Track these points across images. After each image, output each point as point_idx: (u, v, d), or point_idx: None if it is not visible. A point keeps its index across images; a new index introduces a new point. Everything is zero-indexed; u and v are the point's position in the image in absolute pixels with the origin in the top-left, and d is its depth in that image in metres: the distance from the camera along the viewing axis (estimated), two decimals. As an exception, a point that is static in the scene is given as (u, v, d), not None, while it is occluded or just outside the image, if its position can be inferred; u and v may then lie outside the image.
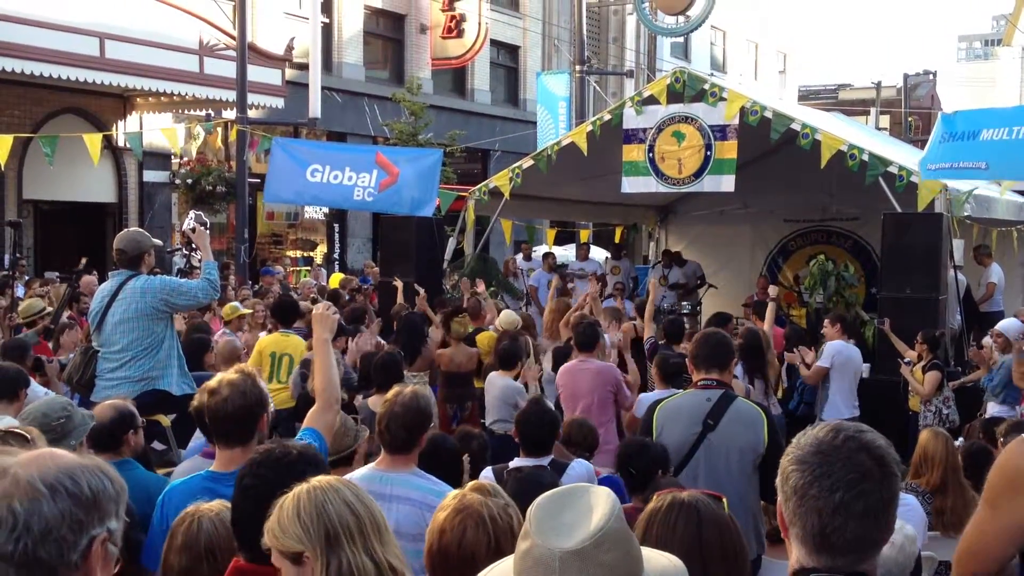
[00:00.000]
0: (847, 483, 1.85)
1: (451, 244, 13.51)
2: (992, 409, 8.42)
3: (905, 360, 9.26)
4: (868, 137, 13.77)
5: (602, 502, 1.80)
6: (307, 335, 8.25)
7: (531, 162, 12.99)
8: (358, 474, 4.33)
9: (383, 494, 4.10)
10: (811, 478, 1.87)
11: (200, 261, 6.60)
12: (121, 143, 16.88)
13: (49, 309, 8.53)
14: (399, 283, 11.41)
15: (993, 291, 13.05)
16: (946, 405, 8.81)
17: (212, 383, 3.74)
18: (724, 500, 2.54)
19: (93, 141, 12.94)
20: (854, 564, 1.89)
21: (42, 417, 3.91)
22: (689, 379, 5.17)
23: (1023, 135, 9.17)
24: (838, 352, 8.84)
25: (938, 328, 9.63)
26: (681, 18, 24.75)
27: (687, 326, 10.31)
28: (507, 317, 9.80)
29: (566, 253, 18.32)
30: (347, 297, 12.84)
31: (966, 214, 11.01)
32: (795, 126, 11.10)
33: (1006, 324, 9.44)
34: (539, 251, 17.16)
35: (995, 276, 13.22)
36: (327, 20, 21.69)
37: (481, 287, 11.67)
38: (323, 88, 17.96)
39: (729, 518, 2.48)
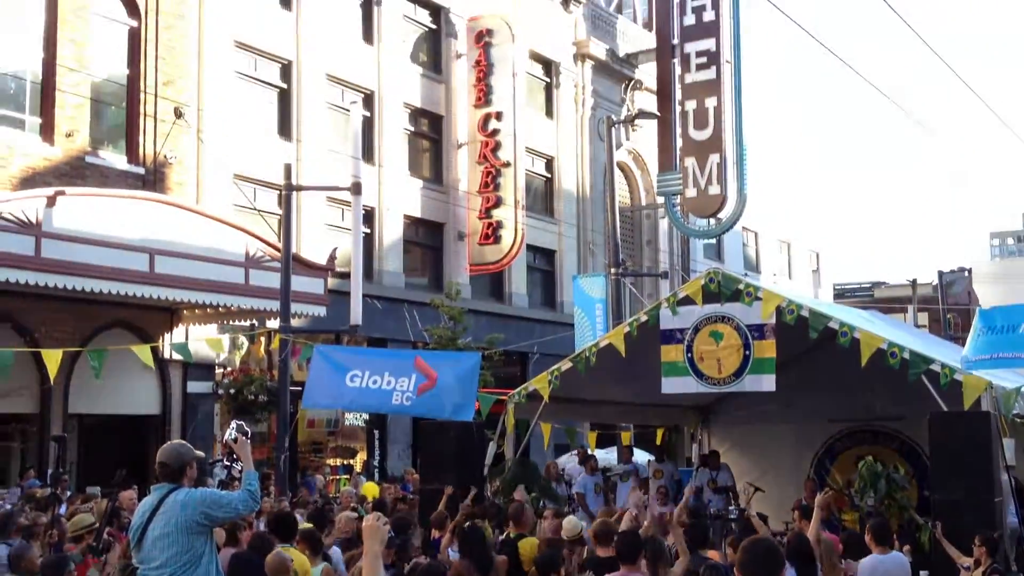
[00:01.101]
0: None
1: (491, 449, 13.40)
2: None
3: (964, 566, 8.86)
4: (907, 335, 13.74)
5: None
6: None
7: (569, 364, 13.03)
8: None
9: None
10: None
11: (241, 472, 6.57)
12: (167, 355, 17.20)
13: (97, 525, 8.47)
14: (449, 489, 11.14)
15: None
16: None
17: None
18: None
19: (143, 351, 13.22)
20: None
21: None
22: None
23: (1063, 326, 9.17)
24: (870, 570, 8.43)
25: (996, 530, 9.27)
26: (713, 220, 25.36)
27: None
28: (570, 524, 9.54)
29: (608, 456, 18.07)
30: (390, 506, 12.66)
31: (1015, 412, 10.81)
32: (833, 324, 11.12)
33: None
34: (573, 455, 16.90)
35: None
36: (368, 230, 22.41)
37: (519, 493, 11.48)
38: (364, 295, 18.38)
39: None
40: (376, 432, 23.16)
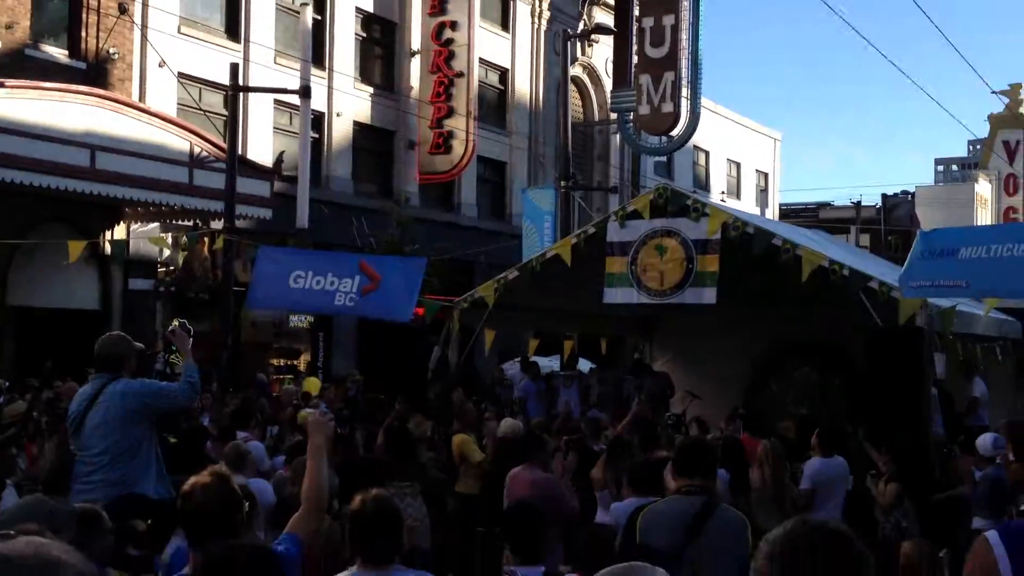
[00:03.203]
0: (822, 569, 1.86)
1: (435, 353, 13.48)
2: (977, 523, 8.35)
3: (871, 472, 9.18)
4: (849, 254, 13.96)
5: None
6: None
7: (516, 273, 13.09)
8: (336, 578, 4.24)
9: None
10: (786, 570, 1.87)
11: (181, 364, 6.58)
12: (108, 251, 16.97)
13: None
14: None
15: (976, 405, 13.06)
16: (906, 518, 8.67)
17: (187, 487, 3.70)
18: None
19: (75, 246, 13.00)
20: None
21: (24, 519, 3.82)
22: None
23: (1002, 253, 9.32)
24: (817, 472, 8.73)
25: (921, 440, 9.60)
26: (664, 138, 25.33)
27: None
28: (507, 425, 9.70)
29: (551, 363, 18.29)
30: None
31: (953, 330, 11.09)
32: (776, 242, 11.26)
33: (982, 440, 9.43)
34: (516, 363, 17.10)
35: (978, 391, 13.25)
36: (317, 135, 22.10)
37: (459, 394, 11.64)
38: (311, 200, 18.20)
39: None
40: (321, 334, 23.16)
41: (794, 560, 1.86)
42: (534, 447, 7.81)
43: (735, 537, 4.56)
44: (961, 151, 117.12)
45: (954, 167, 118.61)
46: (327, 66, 22.83)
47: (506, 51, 28.54)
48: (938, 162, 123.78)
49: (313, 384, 15.59)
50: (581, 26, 29.44)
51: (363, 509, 4.11)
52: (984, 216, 44.43)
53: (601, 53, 29.99)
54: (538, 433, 8.56)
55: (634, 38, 27.34)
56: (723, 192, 37.42)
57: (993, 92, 38.62)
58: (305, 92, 16.65)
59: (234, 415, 9.89)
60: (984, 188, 46.68)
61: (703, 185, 36.76)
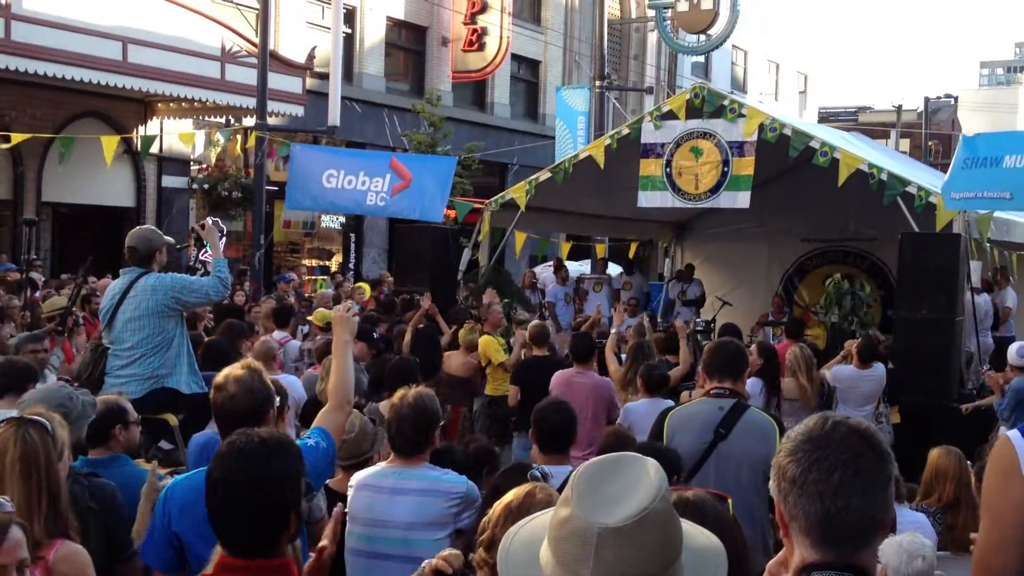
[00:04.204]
0: (843, 463, 1.85)
1: (466, 255, 13.48)
2: (1002, 431, 8.34)
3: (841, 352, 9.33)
4: (887, 158, 13.71)
5: (650, 477, 1.73)
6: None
7: (548, 175, 12.97)
8: (370, 471, 4.33)
9: (398, 488, 4.12)
10: (808, 464, 1.87)
11: (211, 258, 6.61)
12: (140, 148, 16.98)
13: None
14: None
15: (1008, 315, 12.94)
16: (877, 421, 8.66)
17: (219, 379, 3.73)
18: (729, 501, 2.50)
19: (109, 143, 13.00)
20: (857, 552, 1.87)
21: (38, 403, 3.88)
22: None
23: (1049, 163, 9.11)
24: (848, 378, 8.77)
25: (961, 351, 9.55)
26: (702, 37, 24.77)
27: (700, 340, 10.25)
28: (536, 327, 9.75)
29: (581, 268, 18.27)
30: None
31: (990, 237, 10.92)
32: (814, 144, 11.06)
33: (1014, 348, 9.36)
34: (549, 266, 17.03)
35: (1010, 300, 13.11)
36: (349, 31, 21.79)
37: (489, 295, 11.65)
38: (343, 98, 18.00)
39: (733, 519, 2.44)
40: (352, 235, 23.24)
41: (817, 455, 1.85)
42: (590, 351, 7.84)
43: (763, 440, 4.55)
44: (1008, 55, 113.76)
45: (999, 70, 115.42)
46: (361, -42, 22.38)
47: (543, -56, 27.84)
48: (983, 65, 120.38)
49: (363, 286, 15.46)
50: (621, -81, 28.59)
51: (402, 404, 4.20)
52: (1029, 122, 43.34)
53: (640, -53, 29.16)
54: (594, 338, 8.55)
55: (675, -68, 26.64)
56: (761, 94, 36.69)
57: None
58: (339, -18, 16.33)
59: (273, 314, 9.98)
60: (1031, 92, 45.44)
61: (740, 87, 36.04)
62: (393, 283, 14.65)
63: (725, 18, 24.01)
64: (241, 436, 2.75)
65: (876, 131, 37.67)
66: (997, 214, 11.18)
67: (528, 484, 2.73)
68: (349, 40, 21.96)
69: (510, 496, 2.65)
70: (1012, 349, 9.14)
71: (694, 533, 1.84)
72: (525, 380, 8.28)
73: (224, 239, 6.74)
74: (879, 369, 8.94)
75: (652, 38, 30.66)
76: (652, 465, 1.75)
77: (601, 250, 17.45)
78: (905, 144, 43.12)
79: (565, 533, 1.68)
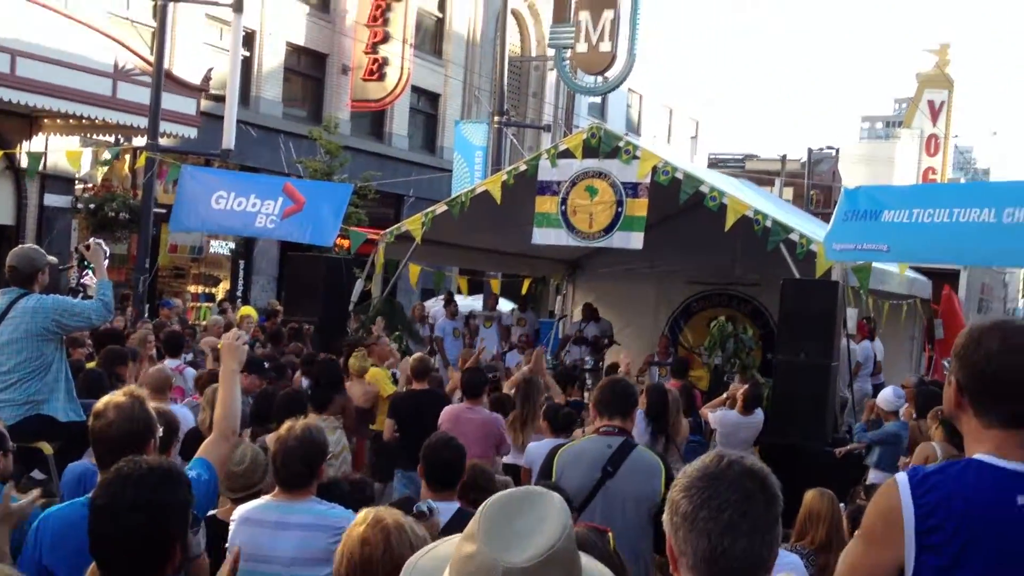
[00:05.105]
0: (734, 503, 1.91)
1: (359, 286, 13.40)
2: (873, 477, 8.69)
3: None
4: (772, 205, 14.18)
5: (555, 514, 1.74)
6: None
7: (444, 208, 13.03)
8: (253, 505, 4.26)
9: (283, 522, 4.06)
10: (700, 501, 1.93)
11: (94, 281, 6.44)
12: (23, 164, 16.40)
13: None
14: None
15: (879, 368, 13.63)
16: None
17: (99, 406, 3.63)
18: (610, 534, 2.55)
19: (-8, 157, 12.56)
20: None
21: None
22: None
23: (922, 219, 9.55)
24: (732, 425, 9.04)
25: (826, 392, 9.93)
26: (600, 78, 25.29)
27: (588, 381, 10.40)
28: (416, 361, 9.73)
29: (474, 303, 18.32)
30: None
31: (871, 288, 11.38)
32: (704, 188, 11.37)
33: (883, 394, 9.81)
34: (440, 300, 17.02)
35: (879, 351, 13.81)
36: (247, 54, 21.54)
37: (379, 327, 11.58)
38: (239, 121, 17.77)
39: (613, 552, 2.49)
40: (242, 262, 22.83)
41: (708, 492, 1.91)
42: (481, 387, 7.86)
43: (649, 478, 4.65)
44: (888, 110, 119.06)
45: (879, 125, 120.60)
46: (262, -19, 22.21)
47: (447, -23, 28.03)
48: (864, 119, 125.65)
49: (249, 312, 15.22)
50: (523, -41, 29.04)
51: (289, 436, 4.16)
52: (905, 175, 45.35)
53: (542, -12, 29.64)
54: (490, 375, 8.58)
55: (576, -27, 27.21)
56: (655, 137, 37.56)
57: (923, 50, 39.18)
58: (238, 6, 16.12)
59: (165, 342, 9.69)
60: (906, 147, 47.61)
61: (635, 129, 36.84)
62: (282, 312, 14.45)
63: (623, 61, 24.59)
64: (129, 463, 2.70)
65: (762, 178, 38.93)
66: (875, 264, 11.68)
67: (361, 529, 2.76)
68: (247, 63, 21.70)
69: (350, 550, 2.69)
70: (887, 393, 9.56)
71: (591, 568, 1.88)
72: (401, 414, 8.26)
73: (107, 261, 6.55)
74: (759, 415, 9.24)
75: (551, 77, 31.16)
76: (558, 502, 1.77)
77: (496, 285, 17.53)
78: (789, 192, 44.63)
79: (470, 569, 1.68)
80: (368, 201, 21.41)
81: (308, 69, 24.72)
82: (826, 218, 12.34)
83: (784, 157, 46.33)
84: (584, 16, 26.85)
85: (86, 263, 7.46)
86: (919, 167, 46.12)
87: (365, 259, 13.96)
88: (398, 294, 16.24)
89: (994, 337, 2.42)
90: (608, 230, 11.84)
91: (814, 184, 45.71)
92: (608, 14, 26.58)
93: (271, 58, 22.92)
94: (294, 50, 23.86)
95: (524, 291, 17.77)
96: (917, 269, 14.48)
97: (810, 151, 46.99)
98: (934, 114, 45.40)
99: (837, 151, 50.83)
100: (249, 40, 21.58)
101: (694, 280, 15.96)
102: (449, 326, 15.35)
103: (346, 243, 14.66)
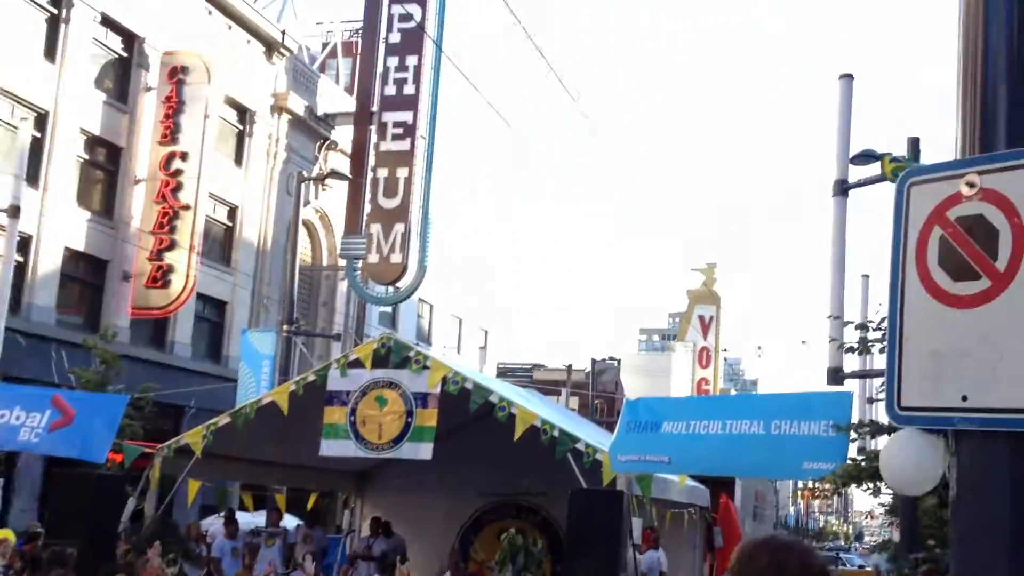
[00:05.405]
0: None
1: (130, 505, 12.55)
2: None
3: None
4: (559, 415, 14.51)
5: None
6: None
7: (227, 419, 12.59)
8: None
9: None
10: None
11: None
12: None
13: None
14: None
15: None
16: None
17: None
18: None
19: None
20: None
21: None
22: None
23: (699, 430, 9.99)
24: None
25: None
26: (391, 288, 25.75)
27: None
28: None
29: (257, 520, 17.47)
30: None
31: (655, 496, 11.65)
32: (493, 398, 11.54)
33: None
34: (220, 517, 16.14)
35: (663, 560, 14.02)
36: (21, 259, 20.64)
37: (154, 551, 10.81)
38: (7, 329, 16.79)
39: None
40: (0, 480, 21.00)
41: None
42: None
43: None
44: (663, 323, 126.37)
45: (656, 337, 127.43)
46: (42, 186, 21.60)
47: (239, 187, 28.14)
48: (642, 331, 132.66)
49: (7, 535, 13.83)
50: (316, 170, 29.67)
51: None
52: (681, 385, 47.79)
53: (335, 198, 30.23)
54: None
55: (368, 186, 28.06)
56: (445, 346, 38.13)
57: (692, 269, 42.22)
58: (14, 212, 15.54)
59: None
60: (681, 359, 50.37)
61: (426, 338, 37.32)
62: (44, 535, 13.24)
63: (413, 272, 25.22)
64: None
65: (549, 388, 39.97)
66: (656, 473, 12.03)
67: None
68: (20, 268, 20.76)
69: None
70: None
71: None
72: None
73: None
74: None
75: (343, 286, 31.40)
76: None
77: (281, 500, 16.83)
78: (575, 401, 45.95)
79: None
80: (145, 413, 20.39)
81: (87, 275, 23.89)
82: (610, 427, 12.72)
83: (570, 367, 47.93)
84: (376, 228, 27.61)
85: None
86: (693, 377, 48.77)
87: (139, 475, 13.15)
88: (174, 512, 15.28)
89: (763, 553, 2.55)
90: (397, 441, 11.73)
91: (598, 393, 47.31)
92: (399, 227, 27.45)
93: (47, 263, 22.06)
94: (72, 255, 23.07)
95: (311, 505, 17.14)
96: (695, 478, 15.00)
97: (594, 361, 48.86)
98: (704, 328, 48.58)
99: (619, 361, 53.11)
100: (24, 245, 20.75)
101: (484, 491, 15.88)
102: (227, 545, 14.50)
103: (119, 457, 13.79)
